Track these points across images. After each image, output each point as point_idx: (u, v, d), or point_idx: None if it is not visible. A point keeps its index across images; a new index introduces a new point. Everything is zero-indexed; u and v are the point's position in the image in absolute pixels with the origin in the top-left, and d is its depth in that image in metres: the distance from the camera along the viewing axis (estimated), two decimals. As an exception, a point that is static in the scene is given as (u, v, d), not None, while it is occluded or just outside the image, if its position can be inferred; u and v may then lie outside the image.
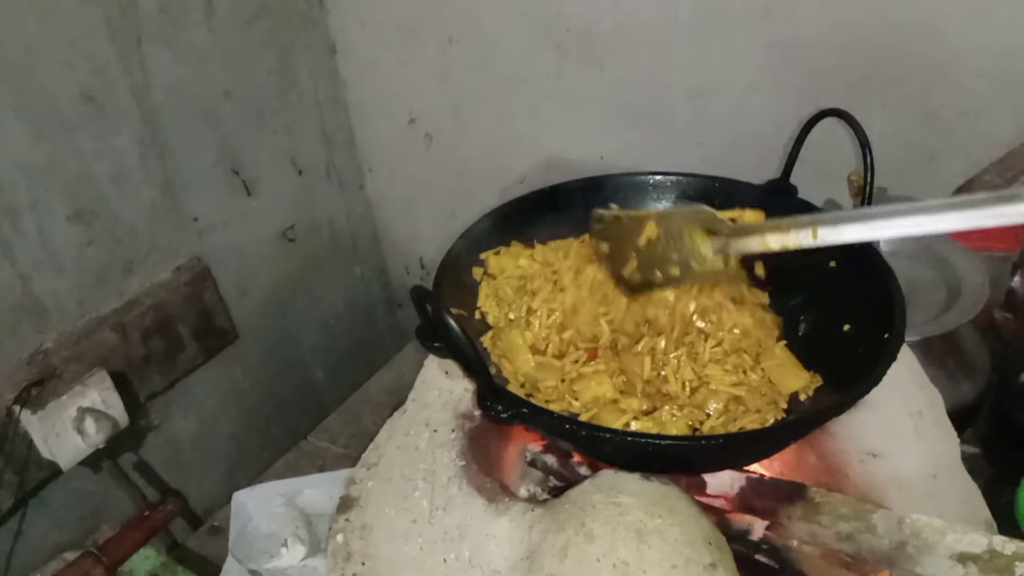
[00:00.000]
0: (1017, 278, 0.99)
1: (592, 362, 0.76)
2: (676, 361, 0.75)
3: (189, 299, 1.25)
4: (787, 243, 0.64)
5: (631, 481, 0.62)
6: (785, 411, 0.72)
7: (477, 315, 0.80)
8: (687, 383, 0.73)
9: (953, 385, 0.90)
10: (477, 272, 0.82)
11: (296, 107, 1.39)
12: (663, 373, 0.74)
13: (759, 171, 0.89)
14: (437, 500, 0.69)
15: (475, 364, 0.58)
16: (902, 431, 0.73)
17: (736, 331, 0.77)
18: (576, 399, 0.72)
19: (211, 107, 1.24)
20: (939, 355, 0.89)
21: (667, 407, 0.70)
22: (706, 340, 0.76)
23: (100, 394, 1.08)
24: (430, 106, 1.41)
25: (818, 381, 0.73)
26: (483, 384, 0.60)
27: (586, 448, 0.69)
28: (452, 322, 0.56)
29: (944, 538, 0.63)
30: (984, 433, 0.94)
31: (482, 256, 0.82)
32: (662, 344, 0.75)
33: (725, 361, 0.75)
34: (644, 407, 0.71)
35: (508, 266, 0.84)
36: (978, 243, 0.96)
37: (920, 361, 0.80)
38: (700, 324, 0.77)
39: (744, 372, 0.74)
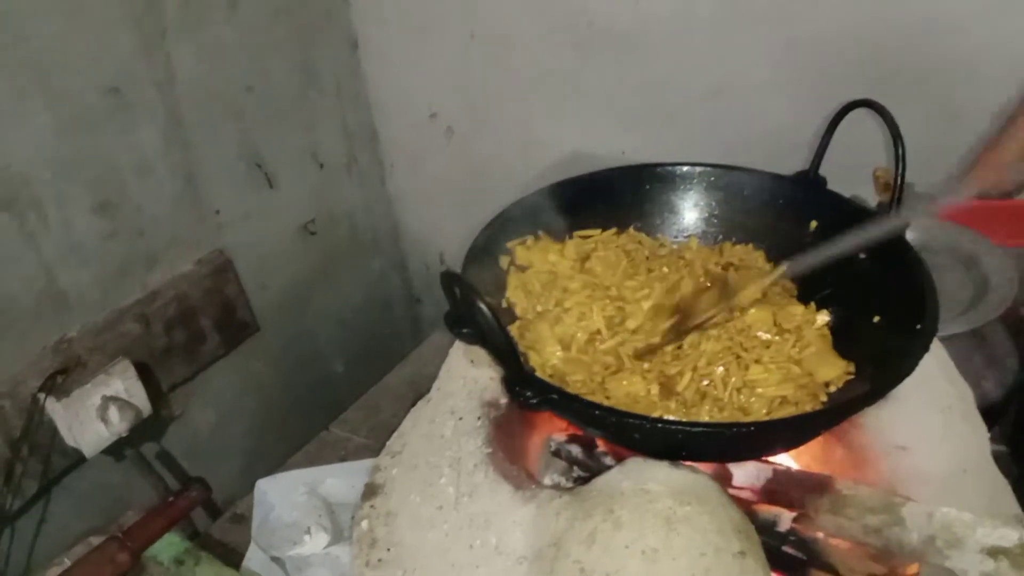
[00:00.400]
0: (1045, 275, 0.98)
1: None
2: (724, 370, 0.74)
3: (211, 291, 1.25)
4: None
5: (660, 469, 0.62)
6: (824, 404, 0.71)
7: (504, 304, 0.80)
8: (733, 391, 0.73)
9: (979, 383, 0.89)
10: (504, 261, 0.82)
11: (318, 102, 1.40)
12: (705, 384, 0.74)
13: (779, 169, 0.89)
14: (463, 487, 0.69)
15: (505, 349, 0.58)
16: (931, 425, 0.72)
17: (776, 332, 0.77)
18: (608, 397, 0.72)
19: (234, 101, 1.25)
20: (965, 352, 0.88)
21: (707, 407, 0.70)
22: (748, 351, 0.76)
23: (123, 383, 1.09)
24: (451, 102, 1.42)
25: (852, 369, 0.73)
26: (512, 370, 0.60)
27: (615, 436, 0.68)
28: (483, 306, 0.56)
29: (974, 532, 0.62)
30: (1011, 431, 0.93)
31: (509, 245, 0.82)
32: (703, 361, 0.75)
33: (769, 362, 0.75)
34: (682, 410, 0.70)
35: (537, 260, 0.83)
36: (1006, 239, 0.95)
37: (948, 357, 0.79)
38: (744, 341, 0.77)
39: (787, 368, 0.74)
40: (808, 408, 0.70)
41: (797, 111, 1.06)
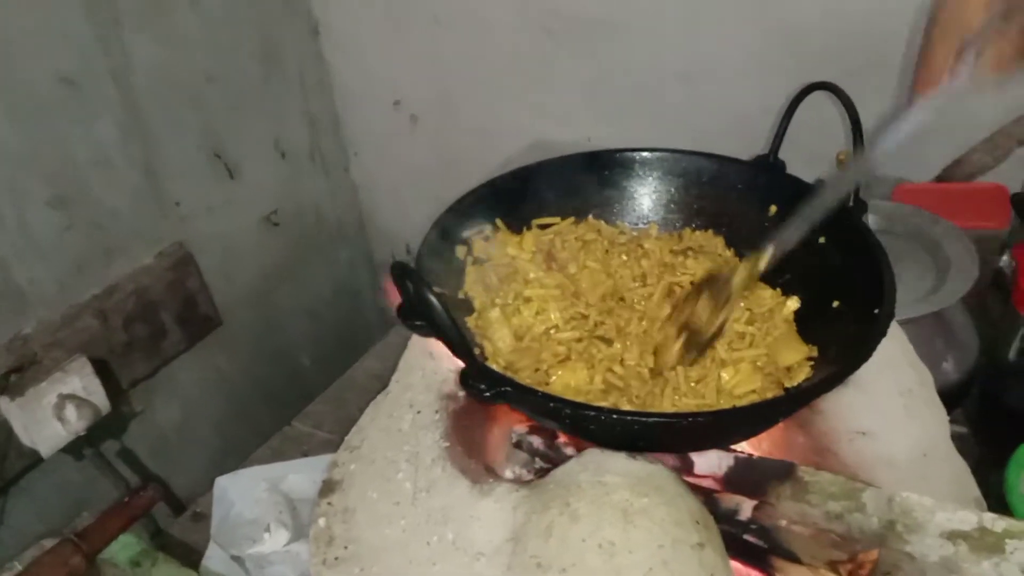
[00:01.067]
0: (1005, 257, 0.99)
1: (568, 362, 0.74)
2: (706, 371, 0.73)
3: (172, 285, 1.23)
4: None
5: (617, 460, 0.61)
6: (786, 390, 0.71)
7: (461, 295, 0.79)
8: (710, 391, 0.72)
9: (941, 365, 0.89)
10: (461, 251, 0.80)
11: (279, 90, 1.37)
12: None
13: (749, 155, 0.88)
14: (420, 482, 0.68)
15: (457, 342, 0.57)
16: (892, 410, 0.72)
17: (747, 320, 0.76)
18: (548, 386, 0.71)
19: (193, 90, 1.22)
20: (927, 335, 0.88)
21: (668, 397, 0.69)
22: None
23: (81, 380, 1.07)
24: (415, 89, 1.40)
25: (813, 353, 0.72)
26: (466, 362, 0.58)
27: (570, 428, 0.67)
28: (433, 299, 0.55)
29: (934, 516, 0.62)
30: (973, 413, 0.94)
31: (465, 235, 0.80)
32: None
33: (741, 360, 0.74)
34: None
35: (496, 254, 0.82)
36: (967, 222, 0.95)
37: (908, 341, 0.79)
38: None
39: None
40: (769, 394, 0.69)
41: (767, 97, 1.06)
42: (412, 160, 1.48)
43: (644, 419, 0.59)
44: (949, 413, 0.75)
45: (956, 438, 0.74)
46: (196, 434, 1.35)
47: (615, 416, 0.59)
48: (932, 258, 0.92)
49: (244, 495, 0.91)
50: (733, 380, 0.72)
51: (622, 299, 0.79)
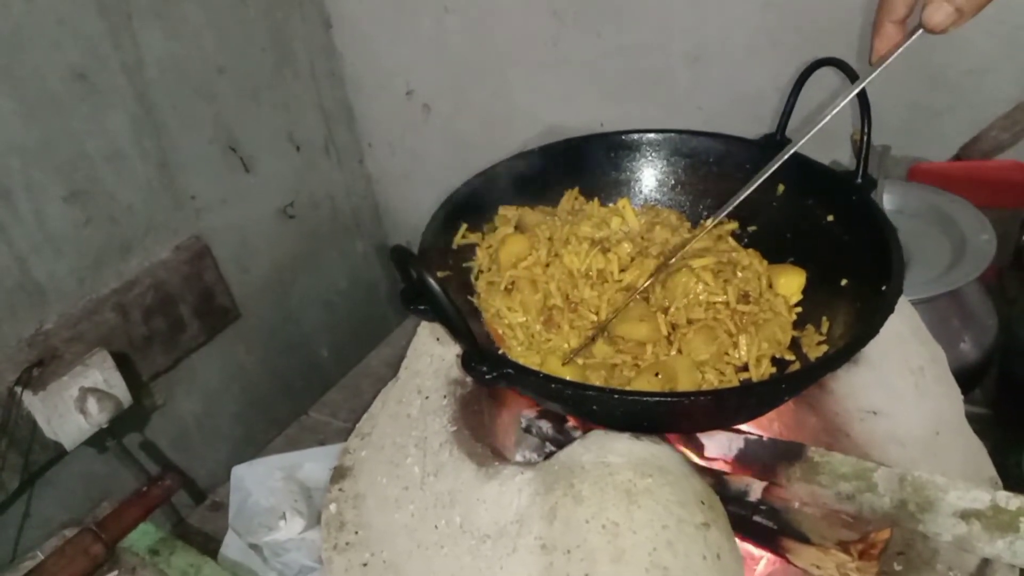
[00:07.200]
0: (1024, 235, 0.97)
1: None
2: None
3: (189, 278, 1.24)
4: None
5: (620, 441, 0.61)
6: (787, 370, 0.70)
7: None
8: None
9: (958, 345, 0.88)
10: (474, 236, 0.80)
11: (292, 82, 1.38)
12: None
13: (760, 134, 0.87)
14: (428, 466, 0.68)
15: (458, 326, 0.57)
16: (903, 388, 0.71)
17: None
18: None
19: (205, 84, 1.23)
20: (944, 315, 0.87)
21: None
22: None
23: (102, 374, 1.08)
24: (427, 78, 1.40)
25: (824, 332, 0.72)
26: (467, 345, 0.58)
27: (574, 408, 0.67)
28: (434, 284, 0.55)
29: (947, 495, 0.61)
30: (992, 393, 0.92)
31: (469, 219, 0.80)
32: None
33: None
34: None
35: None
36: (985, 200, 0.93)
37: (925, 320, 0.78)
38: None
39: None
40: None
41: (777, 75, 1.05)
42: (426, 150, 1.48)
43: (645, 398, 0.59)
44: (967, 394, 0.74)
45: (975, 419, 0.73)
46: (216, 425, 1.36)
47: (616, 396, 0.59)
48: (949, 237, 0.91)
49: (260, 484, 0.92)
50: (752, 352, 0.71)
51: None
